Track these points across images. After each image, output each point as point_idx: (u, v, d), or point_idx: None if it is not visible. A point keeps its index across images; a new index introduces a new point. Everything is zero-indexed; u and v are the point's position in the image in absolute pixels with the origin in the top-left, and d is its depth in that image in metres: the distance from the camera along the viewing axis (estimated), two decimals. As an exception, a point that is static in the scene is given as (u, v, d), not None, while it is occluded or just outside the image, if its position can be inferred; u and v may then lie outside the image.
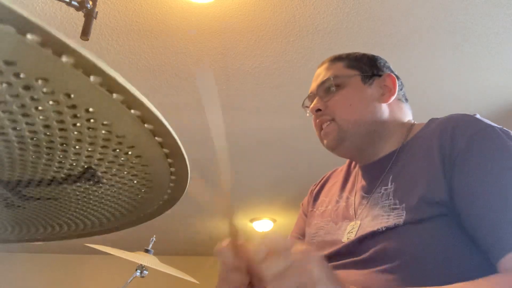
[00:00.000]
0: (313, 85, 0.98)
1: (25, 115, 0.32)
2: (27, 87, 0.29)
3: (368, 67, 0.96)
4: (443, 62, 2.43)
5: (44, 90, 0.29)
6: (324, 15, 2.09)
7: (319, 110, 0.93)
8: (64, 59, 0.27)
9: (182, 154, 0.37)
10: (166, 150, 0.36)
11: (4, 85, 0.29)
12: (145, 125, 0.34)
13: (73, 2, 1.11)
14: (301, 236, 1.02)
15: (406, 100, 1.00)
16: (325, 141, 0.93)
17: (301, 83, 2.59)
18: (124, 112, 0.32)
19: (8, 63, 0.27)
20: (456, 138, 0.76)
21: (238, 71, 2.48)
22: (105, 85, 0.29)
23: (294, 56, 2.37)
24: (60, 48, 0.26)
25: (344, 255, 0.81)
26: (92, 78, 0.29)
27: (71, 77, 0.28)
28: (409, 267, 0.71)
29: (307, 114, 1.00)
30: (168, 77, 2.53)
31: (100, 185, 0.40)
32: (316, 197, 1.04)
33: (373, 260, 0.75)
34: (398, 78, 0.99)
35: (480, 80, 2.58)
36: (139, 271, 2.34)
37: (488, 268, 0.68)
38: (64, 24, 2.11)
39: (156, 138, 0.35)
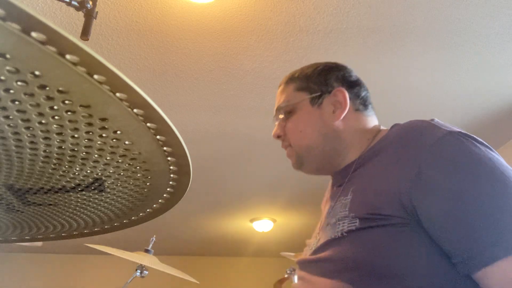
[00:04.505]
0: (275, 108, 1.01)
1: (59, 134, 0.34)
2: (70, 111, 0.30)
3: (317, 86, 0.94)
4: (443, 62, 2.43)
5: (84, 115, 0.31)
6: (324, 15, 2.09)
7: (279, 136, 0.98)
8: (96, 77, 0.28)
9: (189, 166, 0.37)
10: (170, 156, 0.36)
11: (49, 109, 0.30)
12: (164, 148, 0.35)
13: (73, 2, 1.11)
14: None
15: (365, 106, 0.96)
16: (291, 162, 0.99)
17: (301, 83, 2.58)
18: (150, 136, 0.33)
19: (36, 75, 0.28)
20: (412, 150, 0.74)
21: (238, 71, 2.48)
22: (146, 118, 0.31)
23: (294, 56, 2.36)
24: (94, 67, 0.27)
25: (308, 264, 0.84)
26: (136, 110, 0.31)
27: (111, 104, 0.30)
28: (362, 272, 0.71)
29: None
30: (168, 77, 2.53)
31: (103, 193, 0.40)
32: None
33: (328, 266, 0.77)
34: (353, 85, 0.95)
35: (480, 80, 2.58)
36: (139, 271, 2.34)
37: (455, 281, 0.66)
38: (64, 24, 2.11)
39: (161, 142, 0.35)
